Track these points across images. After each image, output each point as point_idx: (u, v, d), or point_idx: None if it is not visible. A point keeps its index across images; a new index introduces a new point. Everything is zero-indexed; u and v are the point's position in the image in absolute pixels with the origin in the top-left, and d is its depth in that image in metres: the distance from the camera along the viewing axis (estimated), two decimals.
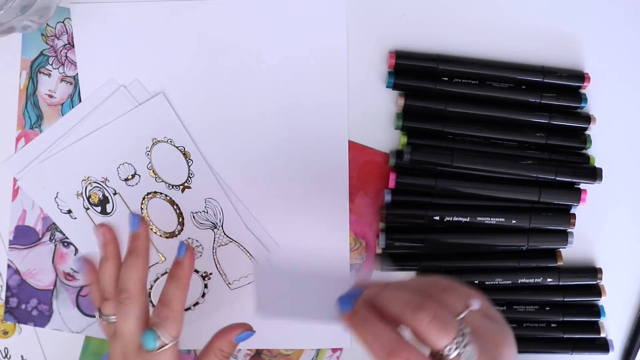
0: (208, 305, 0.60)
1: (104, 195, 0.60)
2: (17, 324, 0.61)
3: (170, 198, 0.60)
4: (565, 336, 0.60)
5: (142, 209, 0.60)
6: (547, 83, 0.58)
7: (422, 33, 0.59)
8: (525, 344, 0.60)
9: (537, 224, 0.58)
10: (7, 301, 0.61)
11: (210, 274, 0.60)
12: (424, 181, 0.58)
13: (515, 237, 0.58)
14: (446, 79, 0.58)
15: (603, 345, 0.60)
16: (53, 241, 0.60)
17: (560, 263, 0.59)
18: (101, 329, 0.50)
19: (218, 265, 0.60)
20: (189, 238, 0.60)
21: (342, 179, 0.59)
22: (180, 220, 0.60)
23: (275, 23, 0.59)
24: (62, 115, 0.59)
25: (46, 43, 0.59)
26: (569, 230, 0.59)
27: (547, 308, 0.60)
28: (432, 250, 0.59)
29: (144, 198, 0.60)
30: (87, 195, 0.60)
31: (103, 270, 0.50)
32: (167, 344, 0.46)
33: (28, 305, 0.61)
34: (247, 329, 0.49)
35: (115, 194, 0.60)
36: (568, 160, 0.58)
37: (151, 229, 0.60)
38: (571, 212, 0.59)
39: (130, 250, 0.49)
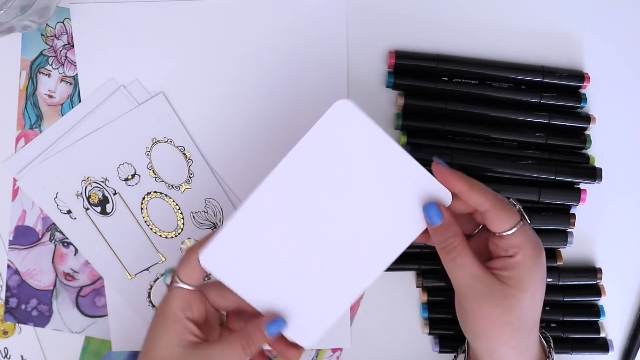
0: None
1: (103, 195, 0.60)
2: (17, 324, 0.61)
3: (170, 198, 0.60)
4: (565, 336, 0.60)
5: (142, 209, 0.60)
6: (547, 83, 0.58)
7: (422, 33, 0.59)
8: None
9: (537, 224, 0.58)
10: (7, 301, 0.60)
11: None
12: None
13: None
14: (446, 78, 0.58)
15: (603, 345, 0.60)
16: (53, 241, 0.60)
17: (560, 263, 0.59)
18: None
19: None
20: (189, 238, 0.60)
21: None
22: (181, 220, 0.60)
23: (275, 23, 0.59)
24: (62, 115, 0.59)
25: (46, 43, 0.59)
26: (569, 230, 0.59)
27: (547, 308, 0.60)
28: (432, 250, 0.59)
29: (144, 198, 0.60)
30: (87, 196, 0.60)
31: None
32: (176, 283, 0.48)
33: (28, 306, 0.61)
34: (273, 318, 0.48)
35: (115, 194, 0.60)
36: (568, 160, 0.58)
37: (151, 229, 0.60)
38: (571, 212, 0.59)
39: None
